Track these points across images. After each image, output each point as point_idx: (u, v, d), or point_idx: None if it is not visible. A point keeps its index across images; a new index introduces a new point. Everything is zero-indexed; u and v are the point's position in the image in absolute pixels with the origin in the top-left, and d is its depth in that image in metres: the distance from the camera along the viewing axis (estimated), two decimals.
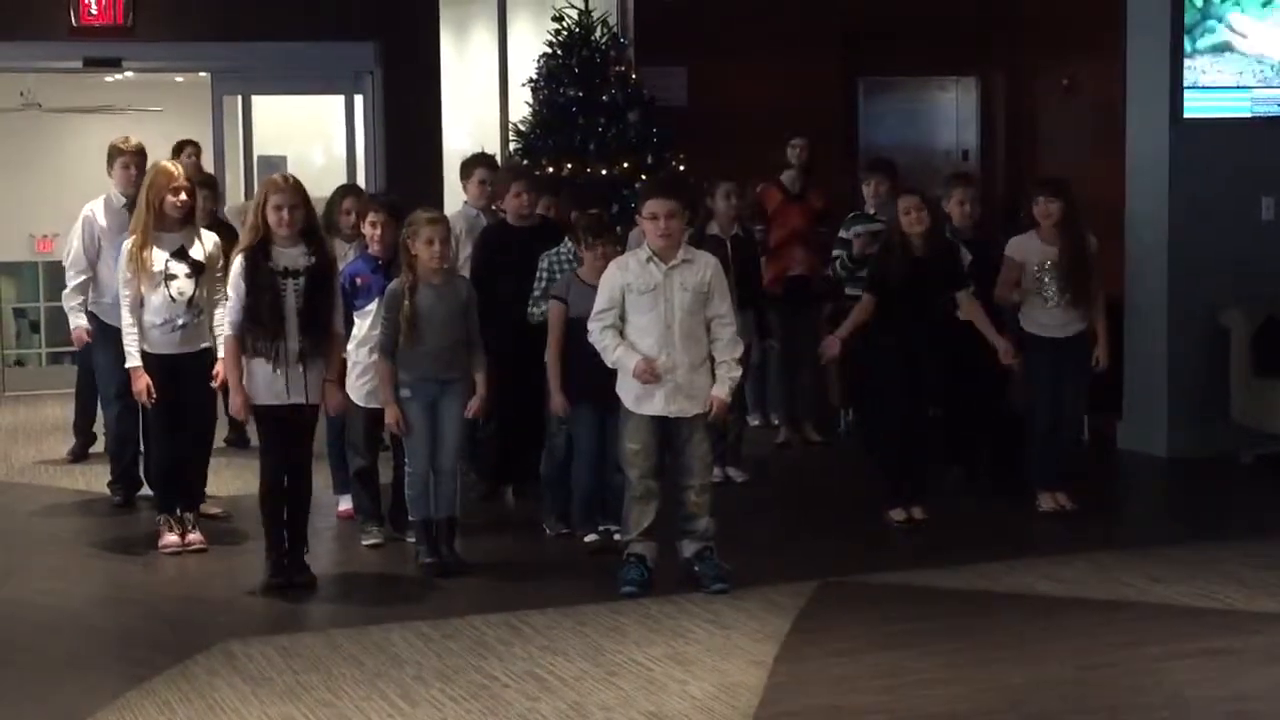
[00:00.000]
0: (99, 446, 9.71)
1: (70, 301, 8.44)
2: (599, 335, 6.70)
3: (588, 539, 7.45)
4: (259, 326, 6.73)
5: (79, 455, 9.83)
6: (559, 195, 8.88)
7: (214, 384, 7.34)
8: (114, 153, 8.37)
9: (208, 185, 8.83)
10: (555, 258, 7.77)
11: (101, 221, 8.26)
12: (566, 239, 7.82)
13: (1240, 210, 9.66)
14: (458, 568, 7.05)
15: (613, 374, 6.76)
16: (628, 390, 6.70)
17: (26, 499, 8.93)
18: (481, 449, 8.42)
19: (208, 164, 11.73)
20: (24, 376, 13.60)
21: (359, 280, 7.47)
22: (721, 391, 6.68)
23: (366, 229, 7.56)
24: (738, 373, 6.81)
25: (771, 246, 9.90)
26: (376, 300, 7.28)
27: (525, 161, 10.70)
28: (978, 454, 8.69)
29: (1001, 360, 7.90)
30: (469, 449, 8.05)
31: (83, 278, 8.32)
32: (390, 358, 6.98)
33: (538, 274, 7.75)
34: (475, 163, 8.92)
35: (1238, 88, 9.69)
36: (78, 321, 8.41)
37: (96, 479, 9.16)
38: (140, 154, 8.29)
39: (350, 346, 7.40)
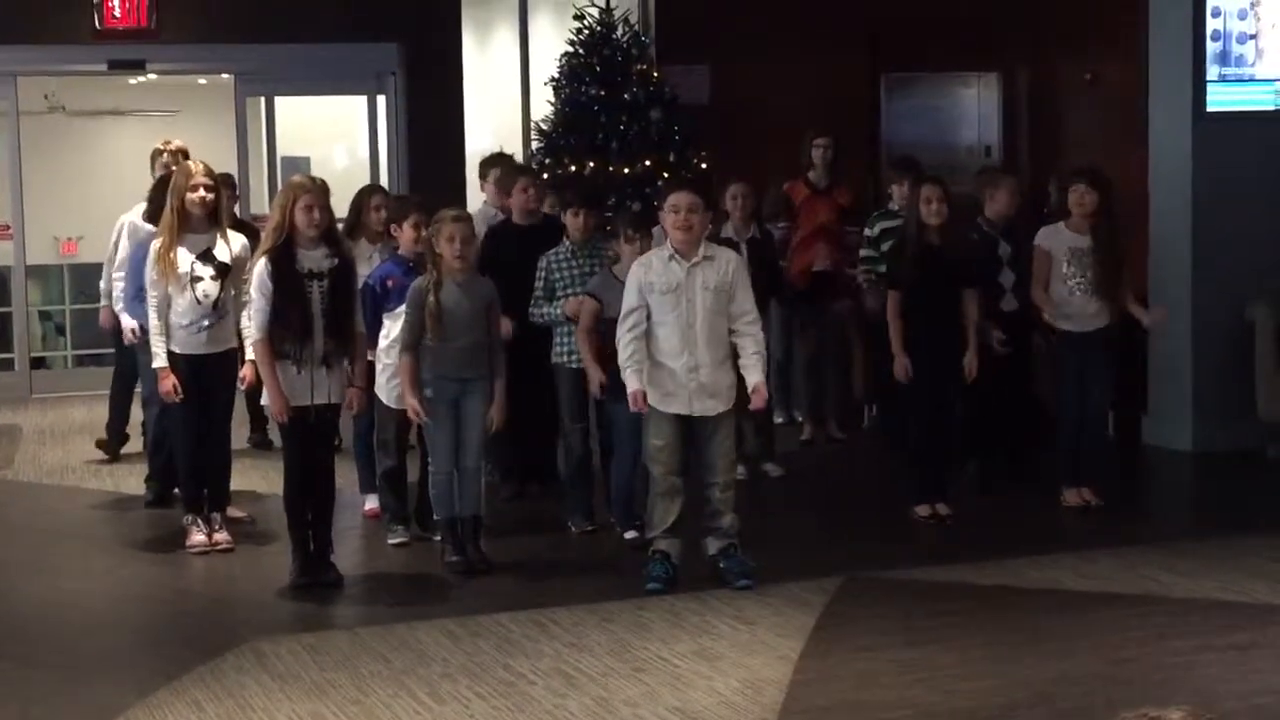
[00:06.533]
0: (130, 447, 9.77)
1: (121, 304, 8.50)
2: (623, 345, 6.69)
3: (628, 535, 7.46)
4: (287, 329, 6.77)
5: (111, 451, 9.87)
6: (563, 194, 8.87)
7: (241, 386, 7.38)
8: (156, 155, 8.44)
9: (224, 184, 8.89)
10: (555, 258, 7.76)
11: (146, 224, 8.27)
12: (565, 238, 7.83)
13: (1265, 204, 9.62)
14: (483, 566, 7.07)
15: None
16: (653, 388, 6.71)
17: (55, 500, 8.98)
18: (501, 449, 8.42)
19: (230, 165, 11.78)
20: (50, 379, 13.65)
21: (390, 282, 7.47)
22: (760, 379, 6.67)
23: (407, 230, 7.52)
24: (765, 359, 6.81)
25: (796, 242, 9.90)
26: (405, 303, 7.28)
27: (547, 159, 10.71)
28: (997, 448, 8.68)
29: (968, 363, 7.83)
30: (492, 449, 8.07)
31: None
32: (412, 353, 6.99)
33: (537, 274, 7.75)
34: (492, 163, 8.94)
35: (1262, 80, 9.67)
36: (130, 322, 8.41)
37: (124, 479, 9.22)
38: (181, 155, 8.34)
39: (381, 346, 7.42)
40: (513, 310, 7.71)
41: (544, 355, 7.81)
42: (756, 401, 6.77)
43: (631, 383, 6.61)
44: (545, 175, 10.04)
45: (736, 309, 6.69)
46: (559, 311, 7.63)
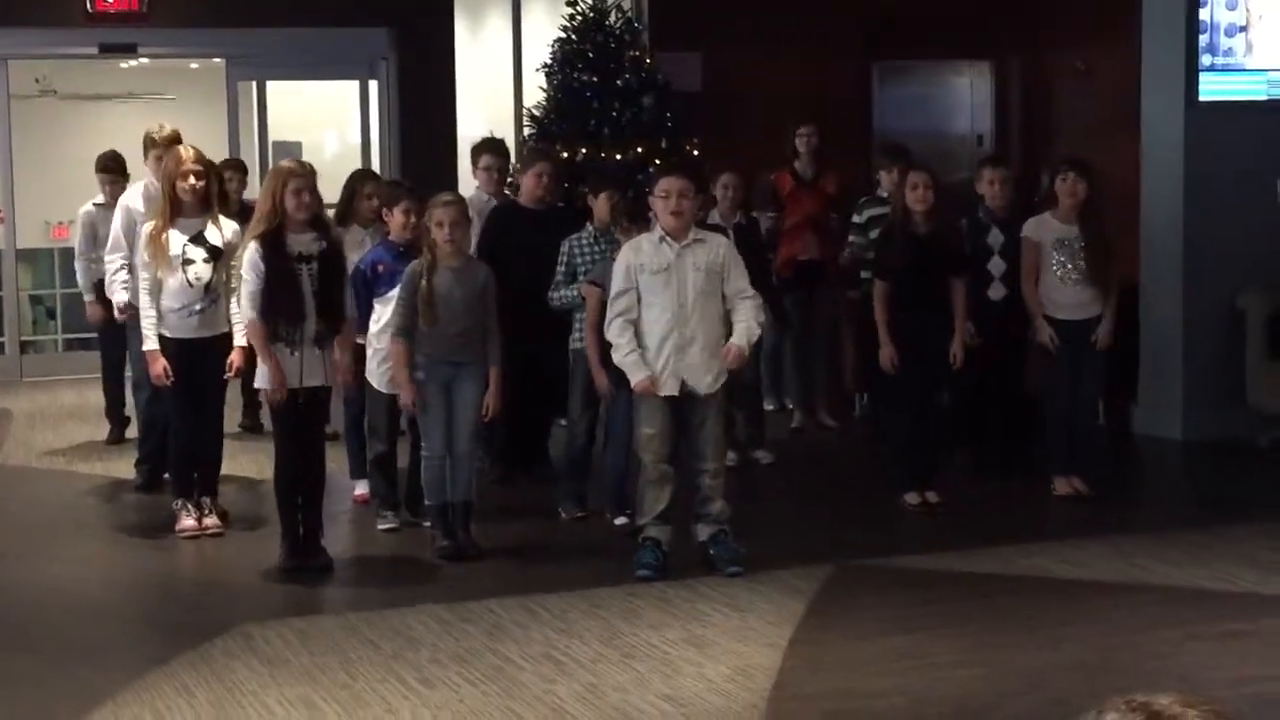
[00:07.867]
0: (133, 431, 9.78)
1: (116, 283, 8.44)
2: (617, 332, 6.69)
3: (618, 522, 7.47)
4: (279, 313, 6.76)
5: (118, 439, 9.86)
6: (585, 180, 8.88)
7: (229, 375, 7.36)
8: (148, 142, 8.40)
9: (237, 169, 8.88)
10: (577, 242, 7.76)
11: (140, 208, 8.22)
12: (588, 223, 7.82)
13: (1256, 193, 9.62)
14: (473, 552, 7.06)
15: None
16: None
17: (45, 484, 8.97)
18: (495, 433, 8.42)
19: (223, 150, 11.74)
20: (40, 363, 13.63)
21: (380, 267, 7.45)
22: (740, 340, 6.65)
23: (397, 216, 7.50)
24: (756, 331, 6.77)
25: (784, 232, 9.89)
26: (399, 287, 7.27)
27: (557, 145, 10.69)
28: (987, 437, 8.68)
29: (954, 352, 7.83)
30: (485, 433, 8.06)
31: (122, 262, 8.25)
32: (406, 338, 6.99)
33: (559, 259, 7.74)
34: (482, 149, 8.93)
35: (1254, 70, 9.66)
36: (122, 298, 8.24)
37: (114, 464, 9.21)
38: (173, 142, 8.31)
39: (372, 332, 7.41)
40: (522, 295, 7.70)
41: (539, 340, 7.76)
42: (731, 358, 6.65)
43: (637, 373, 6.61)
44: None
45: (732, 289, 6.69)
46: (575, 293, 7.62)
